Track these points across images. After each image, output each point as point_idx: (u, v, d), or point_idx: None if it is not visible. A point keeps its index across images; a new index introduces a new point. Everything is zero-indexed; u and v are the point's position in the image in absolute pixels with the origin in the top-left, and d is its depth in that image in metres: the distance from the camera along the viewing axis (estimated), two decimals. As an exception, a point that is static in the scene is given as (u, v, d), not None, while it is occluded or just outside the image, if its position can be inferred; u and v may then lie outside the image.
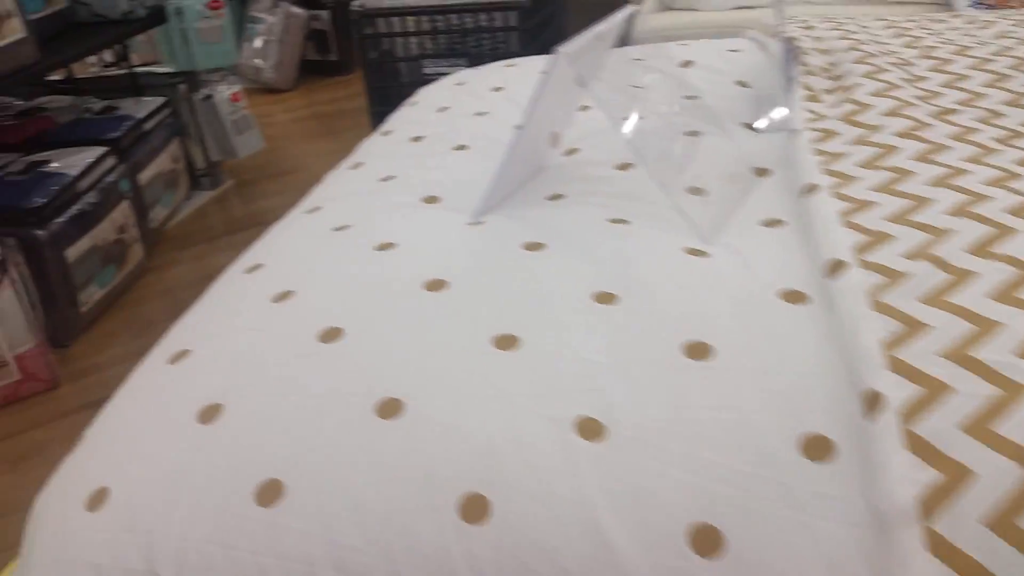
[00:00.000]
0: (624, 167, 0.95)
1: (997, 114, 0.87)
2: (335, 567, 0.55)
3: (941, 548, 0.47)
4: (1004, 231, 0.66)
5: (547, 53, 2.22)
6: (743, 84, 1.16)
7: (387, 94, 2.37)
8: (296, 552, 0.56)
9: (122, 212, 2.19)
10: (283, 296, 0.76)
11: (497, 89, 1.29)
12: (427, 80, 2.34)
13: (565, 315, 0.68)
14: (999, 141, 0.81)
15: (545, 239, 0.80)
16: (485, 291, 0.72)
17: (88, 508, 0.62)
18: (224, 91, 2.95)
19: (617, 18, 0.87)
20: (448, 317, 0.70)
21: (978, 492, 0.49)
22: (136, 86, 2.78)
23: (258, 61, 4.01)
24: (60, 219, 1.90)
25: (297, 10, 4.06)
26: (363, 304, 0.72)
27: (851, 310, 0.61)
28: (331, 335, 0.69)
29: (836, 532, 0.51)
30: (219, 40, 2.86)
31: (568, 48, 0.77)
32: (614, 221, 0.83)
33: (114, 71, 2.93)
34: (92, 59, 2.99)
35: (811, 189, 0.78)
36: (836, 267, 0.66)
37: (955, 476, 0.49)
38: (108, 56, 2.92)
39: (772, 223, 0.79)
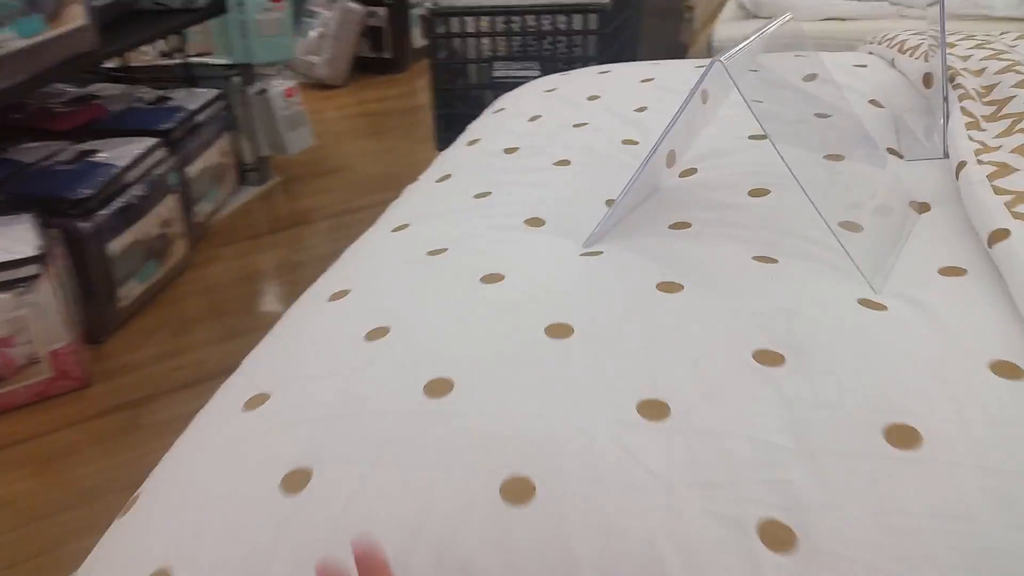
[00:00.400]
0: (758, 193, 0.83)
1: None
2: None
3: None
4: None
5: (623, 59, 2.11)
6: (876, 104, 1.04)
7: (453, 96, 2.27)
8: None
9: (168, 206, 2.14)
10: (378, 333, 0.66)
11: (593, 98, 1.18)
12: (496, 83, 2.24)
13: (724, 379, 0.56)
14: None
15: (681, 278, 0.68)
16: (620, 341, 0.61)
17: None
18: (279, 85, 2.89)
19: (777, 24, 0.75)
20: (579, 374, 0.58)
21: None
22: (190, 77, 2.71)
23: (311, 56, 3.96)
24: (105, 211, 1.83)
25: (354, 6, 4.00)
26: (475, 349, 0.62)
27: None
28: (440, 388, 0.58)
29: None
30: (278, 33, 2.81)
31: (728, 57, 0.66)
32: (760, 259, 0.71)
33: (168, 61, 2.88)
34: (146, 48, 2.94)
35: (1000, 235, 0.66)
36: (1066, 337, 0.54)
37: None
38: (163, 45, 2.87)
39: (951, 271, 0.67)
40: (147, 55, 3.10)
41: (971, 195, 0.73)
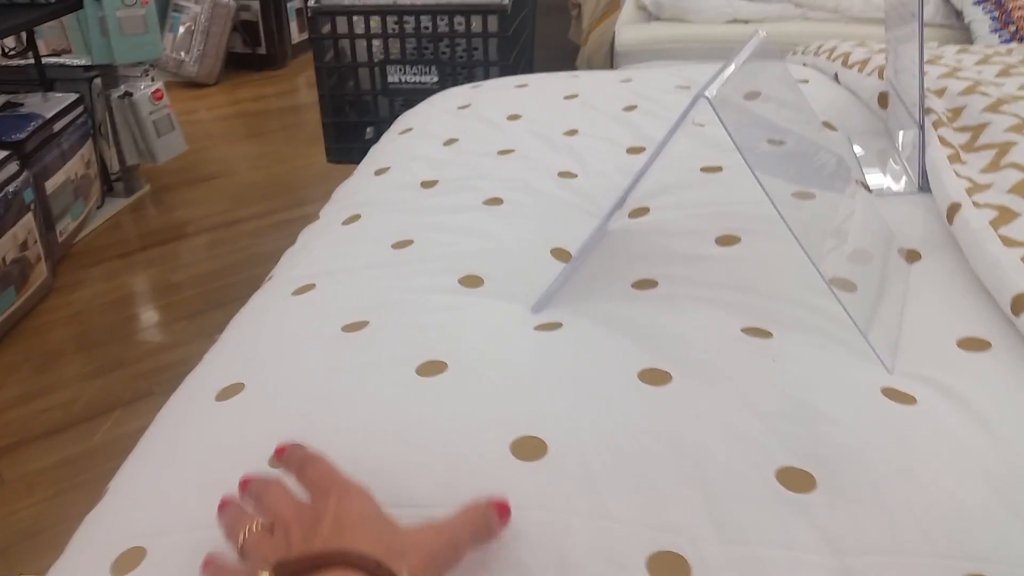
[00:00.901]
0: (727, 241, 0.72)
1: None
2: None
3: None
4: None
5: (522, 62, 1.97)
6: (830, 126, 0.94)
7: (343, 103, 2.09)
8: None
9: (24, 226, 1.91)
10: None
11: (514, 117, 1.05)
12: (391, 89, 2.08)
13: (749, 511, 0.44)
14: None
15: (665, 364, 0.55)
16: (614, 469, 0.48)
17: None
18: (145, 88, 2.65)
19: (751, 46, 0.64)
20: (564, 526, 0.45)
21: None
22: (44, 80, 2.42)
23: (180, 53, 3.69)
24: (-56, 240, 1.59)
25: (224, -1, 3.75)
26: (432, 478, 0.47)
27: None
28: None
29: None
30: (142, 31, 2.56)
31: (713, 91, 0.53)
32: (751, 332, 0.59)
33: (18, 61, 2.57)
34: (-9, 46, 2.63)
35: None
36: None
37: None
38: (11, 43, 2.57)
39: (973, 344, 0.57)
40: (-9, 55, 2.78)
41: (977, 249, 0.63)
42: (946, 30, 2.03)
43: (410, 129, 1.10)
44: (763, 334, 0.59)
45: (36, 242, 1.98)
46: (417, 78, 1.97)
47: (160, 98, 2.74)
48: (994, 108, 0.83)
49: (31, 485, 1.51)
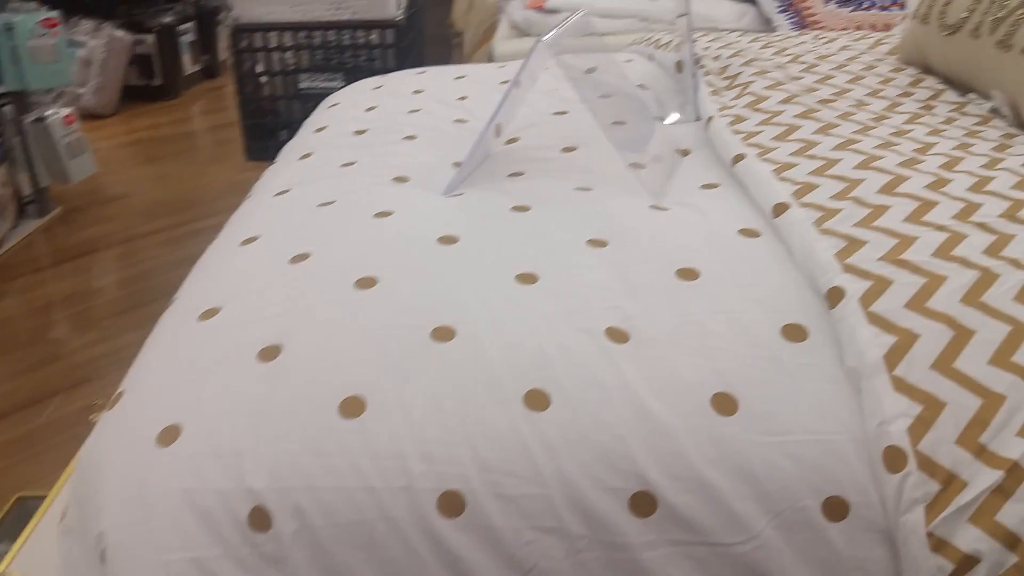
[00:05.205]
0: (568, 150, 1.10)
1: (863, 103, 1.11)
2: (423, 458, 0.64)
3: (903, 386, 0.64)
4: (899, 178, 0.86)
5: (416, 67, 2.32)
6: (643, 87, 1.35)
7: (260, 108, 2.39)
8: (387, 450, 0.64)
9: None
10: (300, 259, 0.83)
11: (418, 92, 1.40)
12: (303, 95, 2.40)
13: (571, 257, 0.81)
14: (875, 120, 1.04)
15: (528, 203, 0.92)
16: (495, 241, 0.84)
17: (161, 444, 0.66)
18: (56, 112, 2.81)
19: (576, 16, 1.01)
20: (471, 262, 0.80)
21: (923, 347, 0.66)
22: (-45, 107, 2.57)
23: (77, 87, 3.81)
24: None
25: (121, 34, 3.93)
26: (389, 256, 0.81)
27: (803, 235, 0.79)
28: (367, 283, 0.77)
29: (820, 388, 0.67)
30: (53, 59, 2.73)
31: (547, 38, 0.90)
32: (580, 189, 0.97)
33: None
34: None
35: (739, 157, 0.96)
36: (781, 208, 0.84)
37: (906, 338, 0.67)
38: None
39: (710, 186, 0.97)
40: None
41: (718, 136, 1.03)
42: (760, 34, 2.52)
43: (337, 104, 1.44)
44: (587, 190, 0.96)
45: (-47, 264, 2.06)
46: (326, 84, 2.30)
47: (71, 122, 2.91)
48: (747, 63, 1.24)
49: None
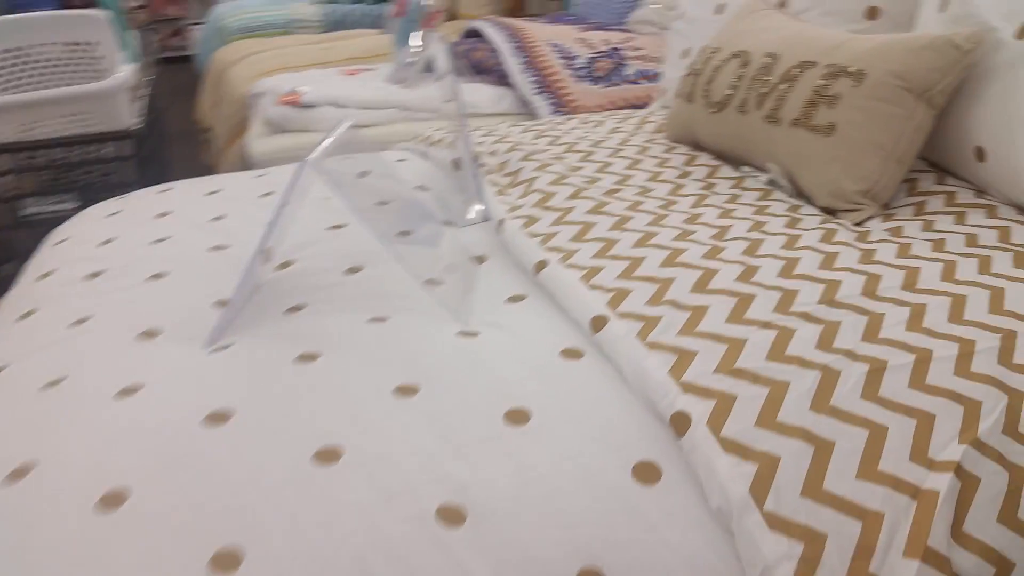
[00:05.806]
0: (353, 271, 0.96)
1: (647, 189, 1.08)
2: None
3: (777, 523, 0.57)
4: (708, 272, 0.82)
5: (160, 183, 2.11)
6: (423, 188, 1.25)
7: (-27, 242, 2.03)
8: None
9: None
10: (19, 473, 0.63)
11: (164, 215, 1.21)
12: (28, 222, 2.06)
13: (378, 416, 0.67)
14: (663, 208, 1.00)
15: (314, 348, 0.77)
16: (280, 410, 0.68)
17: None
18: None
19: (342, 129, 0.89)
20: (250, 446, 0.64)
21: (787, 471, 0.60)
22: None
23: None
24: None
25: None
26: (138, 460, 0.63)
27: (630, 352, 0.71)
28: (114, 501, 0.59)
29: (688, 539, 0.59)
30: None
31: (313, 157, 0.77)
32: (374, 320, 0.83)
33: None
34: None
35: (542, 265, 0.88)
36: (600, 322, 0.76)
37: (767, 464, 0.60)
38: None
39: (516, 298, 0.87)
40: None
41: (513, 241, 0.95)
42: (521, 116, 2.55)
43: (64, 240, 1.20)
44: (382, 320, 0.83)
45: None
46: (56, 207, 2.00)
47: None
48: (526, 158, 1.18)
49: None
